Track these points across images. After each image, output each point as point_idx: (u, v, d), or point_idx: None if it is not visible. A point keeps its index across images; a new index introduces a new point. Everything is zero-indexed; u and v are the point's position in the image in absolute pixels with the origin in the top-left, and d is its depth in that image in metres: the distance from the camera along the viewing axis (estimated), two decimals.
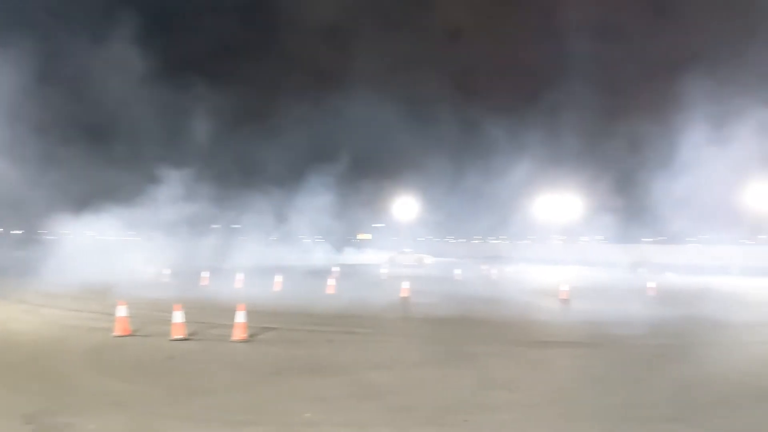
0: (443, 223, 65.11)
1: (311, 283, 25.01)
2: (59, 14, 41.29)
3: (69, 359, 9.79)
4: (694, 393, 8.22)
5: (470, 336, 13.00)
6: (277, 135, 46.22)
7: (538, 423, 6.84)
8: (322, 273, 29.99)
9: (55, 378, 8.56)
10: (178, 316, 11.61)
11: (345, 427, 6.69)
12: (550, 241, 65.49)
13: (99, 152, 35.15)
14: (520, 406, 7.55)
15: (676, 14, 58.21)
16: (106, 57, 34.88)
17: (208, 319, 13.83)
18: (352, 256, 58.30)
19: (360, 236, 76.70)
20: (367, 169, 53.58)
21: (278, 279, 22.97)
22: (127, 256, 30.10)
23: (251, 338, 11.68)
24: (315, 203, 38.48)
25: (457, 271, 33.21)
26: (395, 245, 56.63)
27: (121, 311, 12.01)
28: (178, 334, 11.48)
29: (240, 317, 11.66)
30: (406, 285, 20.85)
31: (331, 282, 22.38)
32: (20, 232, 58.44)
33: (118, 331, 11.82)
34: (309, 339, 12.31)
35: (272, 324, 13.34)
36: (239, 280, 23.42)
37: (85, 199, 29.57)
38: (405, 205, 69.30)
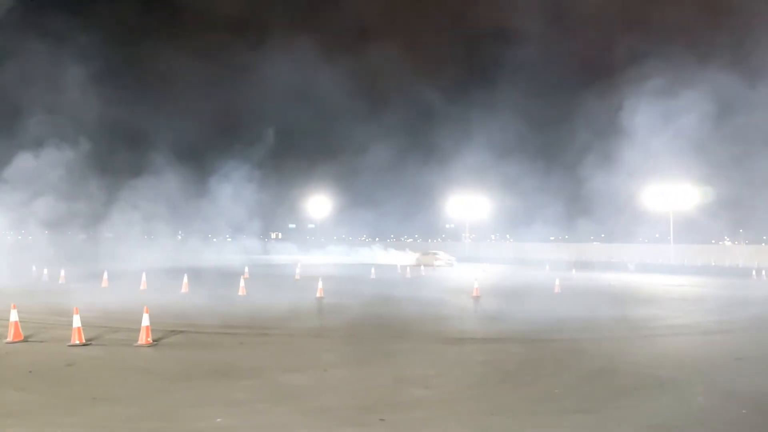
0: (362, 222, 65.34)
1: (222, 285, 24.27)
2: None
3: None
4: (601, 384, 8.65)
5: (385, 334, 13.03)
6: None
7: (454, 419, 6.90)
8: (234, 275, 29.16)
9: None
10: (77, 320, 10.92)
11: (259, 430, 6.48)
12: (462, 241, 67.81)
13: None
14: (435, 403, 7.61)
15: (576, 20, 61.23)
16: None
17: (110, 323, 13.19)
18: (365, 257, 55.27)
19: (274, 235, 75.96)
20: (277, 168, 52.89)
21: (186, 281, 22.10)
22: (14, 257, 27.86)
23: (157, 342, 11.16)
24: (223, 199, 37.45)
25: (373, 271, 33.31)
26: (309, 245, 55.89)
27: (14, 316, 11.25)
28: (77, 339, 10.84)
29: (145, 320, 11.11)
30: (320, 285, 20.68)
31: (242, 284, 21.81)
32: None
33: (11, 337, 11.10)
34: (219, 342, 11.90)
35: (180, 327, 12.82)
36: (144, 282, 22.38)
37: None
38: (319, 205, 69.26)
